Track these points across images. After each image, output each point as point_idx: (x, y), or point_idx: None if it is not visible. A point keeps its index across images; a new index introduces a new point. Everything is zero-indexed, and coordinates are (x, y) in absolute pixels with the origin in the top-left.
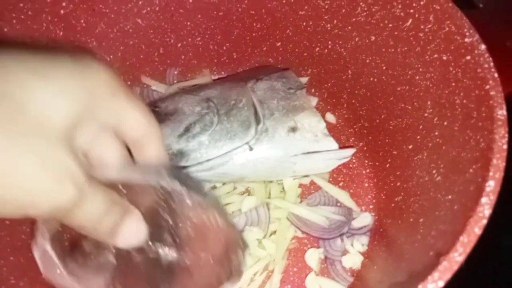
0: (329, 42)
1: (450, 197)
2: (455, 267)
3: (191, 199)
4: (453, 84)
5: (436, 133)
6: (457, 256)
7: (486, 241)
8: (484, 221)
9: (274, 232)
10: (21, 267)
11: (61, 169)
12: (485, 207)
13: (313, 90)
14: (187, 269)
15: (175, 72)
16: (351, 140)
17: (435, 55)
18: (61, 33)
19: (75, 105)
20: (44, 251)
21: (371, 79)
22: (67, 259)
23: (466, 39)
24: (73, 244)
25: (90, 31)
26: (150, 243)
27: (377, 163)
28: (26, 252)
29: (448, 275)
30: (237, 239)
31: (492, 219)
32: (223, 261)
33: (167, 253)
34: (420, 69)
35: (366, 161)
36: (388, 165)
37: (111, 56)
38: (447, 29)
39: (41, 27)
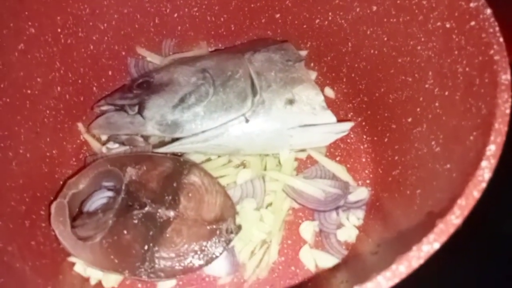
0: (330, 13)
1: (448, 166)
2: (452, 230)
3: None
4: (456, 52)
5: (437, 104)
6: (454, 219)
7: (488, 228)
8: (484, 185)
9: (270, 204)
10: (9, 233)
11: None
12: (485, 171)
13: (312, 64)
14: (178, 228)
15: (171, 44)
16: (349, 115)
17: (438, 23)
18: None
19: None
20: (61, 205)
21: (372, 51)
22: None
23: (471, 4)
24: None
25: None
26: (152, 203)
27: (375, 138)
28: (15, 219)
29: (444, 237)
30: (230, 209)
31: (493, 205)
32: (214, 225)
33: (164, 212)
34: (422, 39)
35: (364, 136)
36: (386, 140)
37: (105, 25)
38: None
39: None
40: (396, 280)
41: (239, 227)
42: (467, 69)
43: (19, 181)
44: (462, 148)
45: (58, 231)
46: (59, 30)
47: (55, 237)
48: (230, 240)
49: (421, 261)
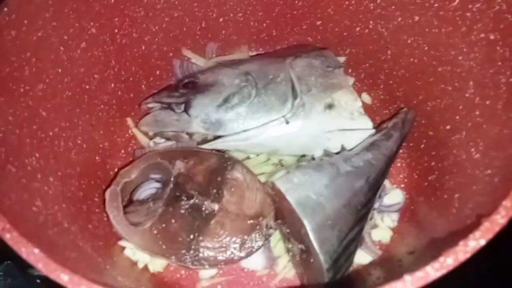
0: (371, 22)
1: (489, 171)
2: (497, 228)
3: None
4: (499, 63)
5: (477, 113)
6: (500, 219)
7: None
8: None
9: None
10: (72, 215)
11: None
12: None
13: (350, 70)
14: (222, 221)
15: (215, 47)
16: None
17: (482, 35)
18: (112, 1)
19: None
20: (114, 192)
21: (411, 60)
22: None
23: None
24: (129, 199)
25: (140, 0)
26: (198, 195)
27: (411, 144)
28: (75, 203)
29: (489, 235)
30: (268, 206)
31: None
32: (254, 220)
33: (209, 204)
34: (464, 49)
35: None
36: (422, 146)
37: (157, 27)
38: (497, 7)
39: None
40: (444, 271)
41: (277, 224)
42: (510, 79)
43: (77, 169)
44: (504, 155)
45: (112, 216)
46: (116, 30)
47: (107, 222)
48: (269, 236)
49: (468, 255)
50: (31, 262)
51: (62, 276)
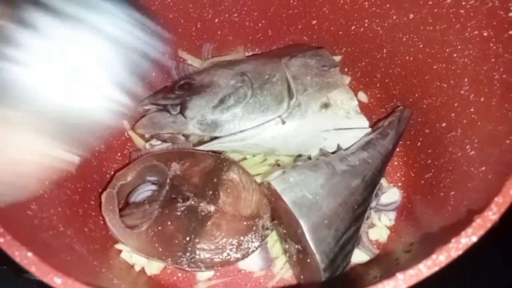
0: (366, 21)
1: (484, 168)
2: (489, 225)
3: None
4: (493, 59)
5: (472, 110)
6: (491, 215)
7: None
8: None
9: None
10: (67, 218)
11: None
12: None
13: (346, 69)
14: (218, 222)
15: (211, 48)
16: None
17: (475, 32)
18: None
19: None
20: (110, 195)
21: (407, 57)
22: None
23: (511, 14)
24: (126, 201)
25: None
26: (194, 197)
27: (407, 142)
28: (71, 206)
29: (481, 231)
30: (265, 206)
31: None
32: (250, 221)
33: (205, 206)
34: (459, 47)
35: None
36: (419, 144)
37: (152, 29)
38: (490, 4)
39: None
40: (436, 269)
41: (274, 225)
42: (504, 76)
43: (73, 172)
44: (499, 151)
45: (108, 219)
46: None
47: (103, 225)
48: (265, 236)
49: (460, 252)
50: (24, 265)
51: (56, 280)
